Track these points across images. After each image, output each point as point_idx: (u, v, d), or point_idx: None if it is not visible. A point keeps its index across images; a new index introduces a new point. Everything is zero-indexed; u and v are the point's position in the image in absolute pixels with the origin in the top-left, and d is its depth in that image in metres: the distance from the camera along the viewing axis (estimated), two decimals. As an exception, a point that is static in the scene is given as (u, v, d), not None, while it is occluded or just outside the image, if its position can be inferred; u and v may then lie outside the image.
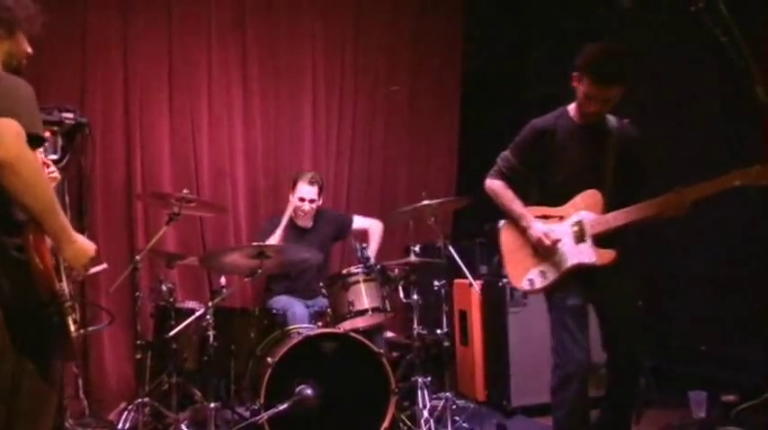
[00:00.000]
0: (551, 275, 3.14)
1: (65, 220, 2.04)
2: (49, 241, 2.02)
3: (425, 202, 4.25)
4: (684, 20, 2.54)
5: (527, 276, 3.20)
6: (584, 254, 3.09)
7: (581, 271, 3.10)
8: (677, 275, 4.85)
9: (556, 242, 3.11)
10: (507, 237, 3.34)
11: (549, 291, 3.19)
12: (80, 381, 4.57)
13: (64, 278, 2.12)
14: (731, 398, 3.87)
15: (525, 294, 3.35)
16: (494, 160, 3.45)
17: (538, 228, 3.15)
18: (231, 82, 5.49)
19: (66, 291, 2.08)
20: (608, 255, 3.06)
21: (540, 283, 3.17)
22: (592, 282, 3.11)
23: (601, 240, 3.09)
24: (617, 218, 3.05)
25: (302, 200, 4.76)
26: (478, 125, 6.36)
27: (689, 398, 4.06)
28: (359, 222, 5.09)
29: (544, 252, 3.15)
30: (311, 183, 4.76)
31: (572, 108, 3.23)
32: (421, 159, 6.20)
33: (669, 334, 4.87)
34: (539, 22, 6.11)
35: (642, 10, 2.96)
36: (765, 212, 4.08)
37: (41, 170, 1.95)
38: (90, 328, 4.26)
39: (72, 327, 2.07)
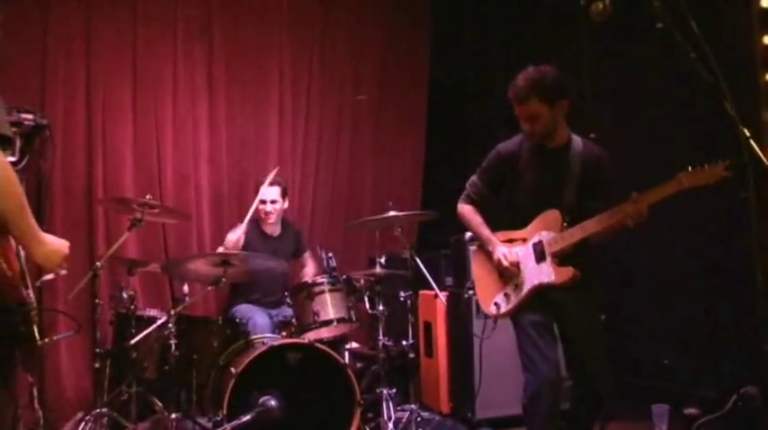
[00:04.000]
0: (515, 298, 3.15)
1: (34, 223, 1.97)
2: (14, 246, 1.95)
3: (392, 213, 4.24)
4: (654, 32, 2.56)
5: (494, 300, 3.23)
6: (544, 273, 3.09)
7: (543, 291, 3.11)
8: (640, 289, 4.91)
9: (515, 263, 3.14)
10: (477, 262, 3.38)
11: (510, 315, 3.19)
12: (35, 390, 4.42)
13: (29, 285, 2.05)
14: (693, 411, 3.91)
15: (494, 319, 3.32)
16: (459, 171, 3.50)
17: (499, 251, 3.18)
18: (197, 87, 5.42)
19: (33, 298, 2.01)
20: (565, 273, 3.06)
21: (504, 307, 3.18)
22: (553, 302, 3.11)
23: (563, 258, 3.09)
24: (573, 233, 3.05)
25: (263, 202, 4.70)
26: (444, 137, 6.39)
27: (651, 412, 4.09)
28: (306, 258, 5.05)
29: (507, 275, 3.17)
30: (272, 183, 4.65)
31: None
32: (386, 169, 6.21)
33: (631, 347, 4.92)
34: (506, 37, 6.16)
35: (611, 23, 2.97)
36: (729, 225, 4.13)
37: (12, 171, 1.89)
38: (56, 337, 4.16)
39: (38, 336, 2.00)
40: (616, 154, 3.29)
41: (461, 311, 4.64)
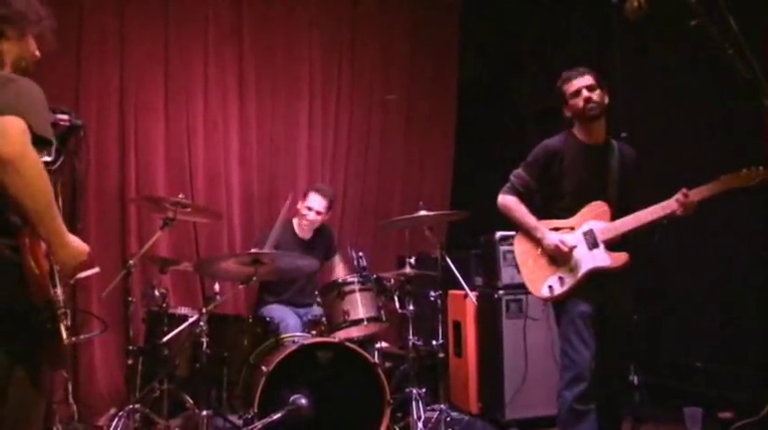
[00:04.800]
0: (569, 281, 3.28)
1: (61, 223, 1.99)
2: (44, 246, 1.98)
3: (422, 213, 4.23)
4: (686, 29, 2.54)
5: (546, 283, 3.33)
6: (599, 258, 3.27)
7: (595, 276, 3.25)
8: (673, 289, 4.84)
9: (572, 248, 3.27)
10: (521, 249, 3.49)
11: (564, 298, 3.31)
12: (70, 386, 4.49)
13: (58, 284, 2.07)
14: (728, 415, 3.87)
15: (544, 302, 3.50)
16: (489, 171, 3.58)
17: (553, 237, 3.32)
18: (227, 88, 5.46)
19: (61, 297, 2.03)
20: (620, 258, 3.27)
21: (558, 289, 3.31)
22: (602, 290, 3.27)
23: (612, 246, 3.29)
24: (625, 223, 3.26)
25: (309, 209, 4.74)
26: (473, 136, 6.37)
27: (684, 415, 4.04)
28: (336, 261, 5.03)
29: (561, 259, 3.30)
30: (323, 195, 4.76)
31: (577, 131, 3.44)
32: (416, 169, 6.20)
33: (664, 349, 4.86)
34: (534, 35, 6.12)
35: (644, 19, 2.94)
36: (764, 227, 4.09)
37: (43, 171, 1.91)
38: (83, 336, 4.20)
39: (64, 335, 2.02)
40: (646, 152, 3.49)
41: (491, 311, 4.62)
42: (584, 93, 3.31)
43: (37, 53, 2.27)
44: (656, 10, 2.89)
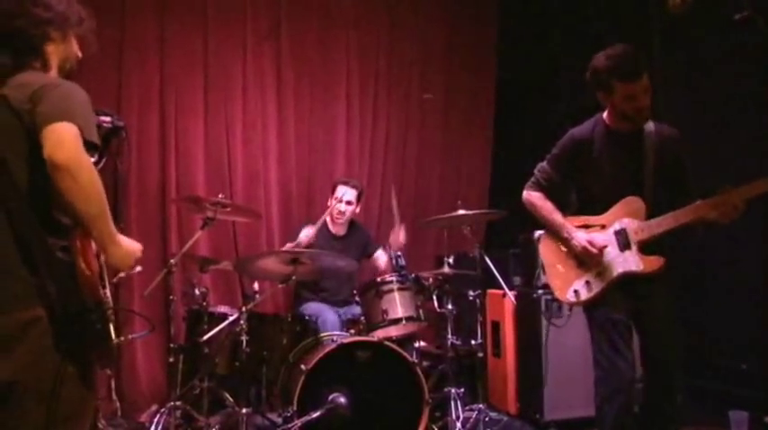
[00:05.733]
0: (597, 286, 3.06)
1: (112, 224, 2.03)
2: (94, 247, 2.01)
3: (461, 212, 4.21)
4: (728, 22, 2.48)
5: (572, 288, 3.12)
6: (630, 262, 3.02)
7: (625, 281, 3.03)
8: (717, 290, 4.74)
9: (602, 249, 3.03)
10: (547, 249, 3.28)
11: (591, 304, 3.11)
12: (113, 383, 4.57)
13: (107, 284, 2.11)
14: (775, 418, 3.78)
15: (570, 307, 3.24)
16: (526, 170, 3.42)
17: (581, 237, 3.08)
18: (265, 87, 5.50)
19: (109, 297, 2.08)
20: (655, 262, 3.00)
21: (584, 295, 3.09)
22: (634, 293, 3.04)
23: (645, 248, 3.03)
24: (662, 223, 2.98)
25: (339, 200, 4.77)
26: (511, 134, 6.32)
27: (729, 418, 3.95)
28: (380, 255, 5.03)
29: (589, 261, 3.08)
30: (351, 186, 4.83)
31: (606, 116, 3.16)
32: (454, 167, 6.17)
33: (708, 350, 4.76)
34: (571, 33, 6.05)
35: (686, 14, 2.87)
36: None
37: (97, 175, 1.95)
38: (131, 336, 4.27)
39: (113, 335, 2.06)
40: (687, 150, 3.18)
41: (530, 311, 4.58)
42: (639, 100, 2.97)
43: (79, 54, 2.30)
44: (700, 3, 2.83)
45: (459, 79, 6.21)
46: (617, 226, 3.07)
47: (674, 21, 3.34)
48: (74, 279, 1.96)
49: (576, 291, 3.11)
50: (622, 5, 5.39)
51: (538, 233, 4.44)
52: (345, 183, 4.85)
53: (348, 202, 4.79)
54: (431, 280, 4.36)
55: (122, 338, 3.68)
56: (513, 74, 6.33)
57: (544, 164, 3.32)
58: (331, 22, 5.74)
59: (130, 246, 2.13)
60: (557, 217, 3.21)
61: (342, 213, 4.81)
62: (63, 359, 2.00)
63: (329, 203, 4.83)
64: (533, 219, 3.38)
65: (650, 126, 3.10)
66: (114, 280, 2.34)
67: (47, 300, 1.97)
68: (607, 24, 5.55)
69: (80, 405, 2.09)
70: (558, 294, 3.20)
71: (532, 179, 3.34)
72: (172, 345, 4.18)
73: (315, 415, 3.61)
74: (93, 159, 2.06)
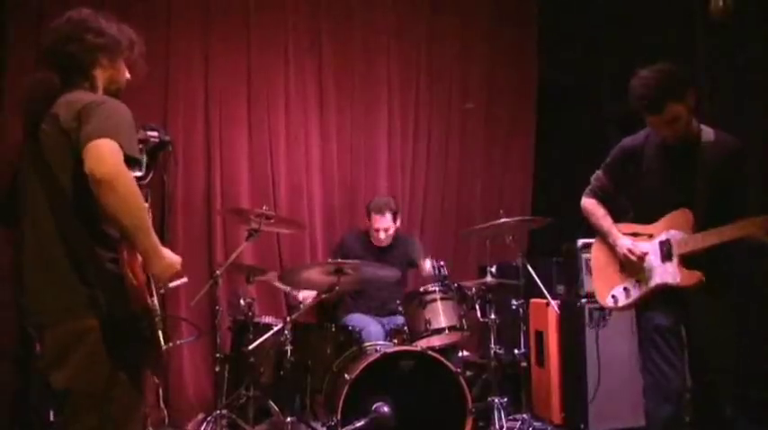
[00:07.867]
0: (634, 293, 3.12)
1: (155, 238, 2.10)
2: (140, 257, 2.08)
3: (504, 220, 4.21)
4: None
5: (611, 293, 3.20)
6: (668, 273, 3.02)
7: (667, 291, 3.02)
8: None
9: (643, 256, 3.06)
10: (597, 254, 3.35)
11: (637, 310, 3.14)
12: (160, 391, 4.67)
13: (154, 293, 2.18)
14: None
15: (609, 311, 3.29)
16: (569, 178, 3.45)
17: (624, 243, 3.14)
18: (307, 100, 5.56)
19: (157, 306, 2.14)
20: (691, 277, 2.96)
21: (622, 301, 3.16)
22: (680, 303, 3.02)
23: (689, 261, 2.99)
24: (706, 238, 2.92)
25: (377, 230, 4.82)
26: (554, 142, 6.28)
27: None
28: (426, 263, 4.97)
29: (630, 268, 3.12)
30: (382, 212, 4.82)
31: None
32: (496, 176, 6.15)
33: (761, 360, 4.65)
34: (613, 37, 5.99)
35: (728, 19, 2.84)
36: None
37: (137, 189, 2.02)
38: (179, 342, 4.35)
39: (162, 341, 2.13)
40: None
41: (573, 319, 4.55)
42: (662, 129, 3.01)
43: (128, 76, 2.40)
44: (742, 7, 2.80)
45: (501, 85, 6.19)
46: (663, 236, 3.08)
47: (718, 25, 3.31)
48: (123, 289, 2.04)
49: (614, 296, 3.19)
50: (666, 8, 5.32)
51: (581, 241, 4.48)
52: (379, 211, 4.82)
53: (386, 230, 4.83)
54: (474, 289, 4.36)
55: (170, 344, 3.76)
56: (555, 79, 6.29)
57: (599, 171, 3.38)
58: (371, 34, 5.78)
59: (171, 257, 2.20)
60: (605, 223, 3.27)
61: (382, 240, 4.86)
62: (114, 366, 2.07)
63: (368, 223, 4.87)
64: (576, 227, 3.41)
65: (709, 135, 3.05)
66: (161, 290, 2.41)
67: (98, 310, 2.05)
68: (650, 28, 5.50)
69: (131, 410, 2.17)
70: (598, 298, 3.30)
71: (589, 187, 3.41)
72: (218, 355, 4.26)
73: (358, 424, 3.64)
74: (137, 174, 2.13)
